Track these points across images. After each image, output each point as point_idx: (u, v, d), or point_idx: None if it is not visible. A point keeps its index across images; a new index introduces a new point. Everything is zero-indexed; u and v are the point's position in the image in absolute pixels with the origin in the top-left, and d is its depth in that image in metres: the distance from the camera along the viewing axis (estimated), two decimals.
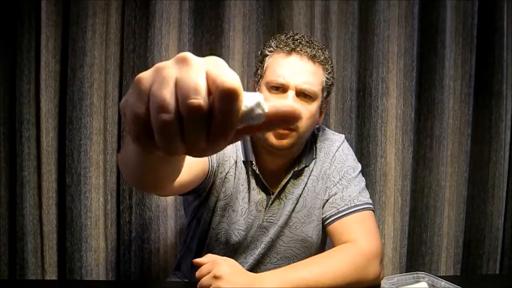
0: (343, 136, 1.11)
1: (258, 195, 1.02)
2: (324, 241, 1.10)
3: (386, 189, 1.54)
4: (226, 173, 1.00)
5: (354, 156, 1.09)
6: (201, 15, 1.47)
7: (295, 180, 1.03)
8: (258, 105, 0.33)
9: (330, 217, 0.99)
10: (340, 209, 0.98)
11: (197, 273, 0.79)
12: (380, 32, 1.50)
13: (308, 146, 1.05)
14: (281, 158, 1.01)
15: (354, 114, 1.54)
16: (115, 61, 1.45)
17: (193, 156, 0.35)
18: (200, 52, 1.47)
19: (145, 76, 0.33)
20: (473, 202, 1.63)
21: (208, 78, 0.31)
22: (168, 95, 0.31)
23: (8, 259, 1.46)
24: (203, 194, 1.01)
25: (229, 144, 0.34)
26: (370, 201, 1.00)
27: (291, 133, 0.93)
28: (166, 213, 1.48)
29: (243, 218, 1.01)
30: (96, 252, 1.46)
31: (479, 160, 1.62)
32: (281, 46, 0.94)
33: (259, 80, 0.98)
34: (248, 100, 0.33)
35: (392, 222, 1.55)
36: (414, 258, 1.60)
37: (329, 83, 0.98)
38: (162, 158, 0.47)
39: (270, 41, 0.98)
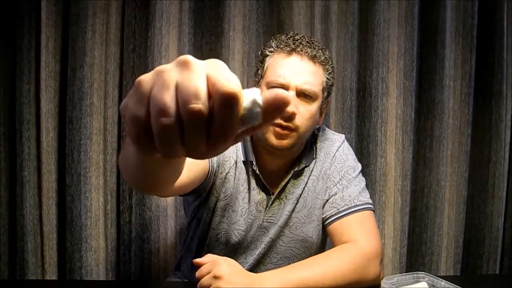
0: (343, 136, 1.11)
1: (258, 195, 1.02)
2: (324, 241, 1.10)
3: (386, 189, 1.55)
4: (226, 174, 1.00)
5: (354, 156, 1.09)
6: (201, 15, 1.47)
7: (295, 180, 1.03)
8: (255, 103, 0.33)
9: (330, 217, 0.99)
10: (340, 209, 0.98)
11: (197, 273, 0.79)
12: (380, 32, 1.50)
13: (308, 146, 1.05)
14: (281, 158, 1.01)
15: (354, 114, 1.54)
16: (115, 61, 1.45)
17: (194, 158, 0.35)
18: (200, 52, 1.47)
19: (146, 79, 0.33)
20: (473, 202, 1.63)
21: (208, 81, 0.31)
22: (168, 99, 0.31)
23: (8, 259, 1.46)
24: (203, 194, 1.01)
25: (229, 146, 0.34)
26: (370, 201, 1.00)
27: (291, 133, 0.93)
28: (166, 213, 1.48)
29: (243, 218, 1.01)
30: (96, 252, 1.46)
31: (479, 160, 1.62)
32: (282, 46, 0.94)
33: (259, 80, 0.98)
34: (246, 100, 0.33)
35: (392, 222, 1.55)
36: (414, 258, 1.60)
37: (329, 84, 0.98)
38: (162, 160, 0.48)
39: (271, 41, 0.98)
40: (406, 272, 0.97)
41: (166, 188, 0.71)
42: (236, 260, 0.83)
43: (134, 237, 1.46)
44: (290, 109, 0.89)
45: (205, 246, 1.04)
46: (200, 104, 0.30)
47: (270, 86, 0.94)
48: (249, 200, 1.01)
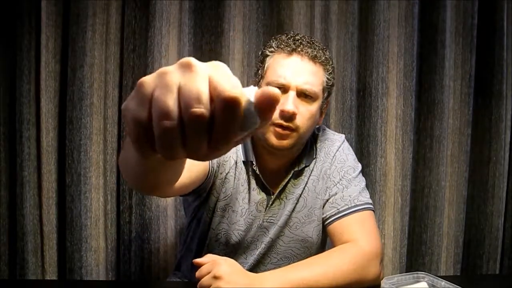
0: (343, 136, 1.11)
1: (258, 195, 1.02)
2: (324, 241, 1.10)
3: (386, 189, 1.55)
4: (226, 174, 1.00)
5: (354, 156, 1.09)
6: (201, 15, 1.47)
7: (295, 180, 1.03)
8: (250, 103, 0.33)
9: (330, 217, 0.99)
10: (341, 209, 0.98)
11: (197, 273, 0.79)
12: (380, 32, 1.50)
13: (308, 146, 1.05)
14: (281, 158, 1.01)
15: (354, 114, 1.54)
16: (115, 61, 1.45)
17: (195, 160, 0.35)
18: (200, 52, 1.47)
19: (148, 80, 0.33)
20: (473, 202, 1.63)
21: (210, 85, 0.31)
22: (171, 102, 0.31)
23: (8, 259, 1.46)
24: (203, 194, 1.01)
25: (231, 149, 0.34)
26: (370, 201, 1.00)
27: (291, 133, 0.93)
28: (166, 213, 1.48)
29: (243, 219, 1.01)
30: (96, 252, 1.46)
31: (479, 160, 1.62)
32: (282, 46, 0.94)
33: (259, 80, 0.98)
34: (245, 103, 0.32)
35: (392, 222, 1.55)
36: (414, 258, 1.60)
37: (329, 84, 0.98)
38: (163, 161, 0.47)
39: (271, 41, 0.98)
40: (406, 272, 0.97)
41: (167, 189, 0.71)
42: (236, 260, 0.83)
43: (134, 237, 1.46)
44: (290, 109, 0.89)
45: (205, 246, 1.04)
46: (202, 108, 0.30)
47: (271, 86, 0.93)
48: (249, 200, 1.01)
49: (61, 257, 1.47)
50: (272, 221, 1.03)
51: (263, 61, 0.98)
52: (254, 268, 1.03)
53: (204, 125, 0.31)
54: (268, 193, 1.02)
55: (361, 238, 0.91)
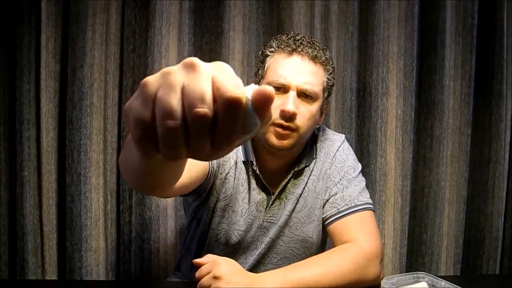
0: (343, 136, 1.11)
1: (258, 195, 1.02)
2: (324, 241, 1.10)
3: (386, 189, 1.55)
4: (226, 174, 1.00)
5: (355, 156, 1.09)
6: (201, 15, 1.47)
7: (295, 180, 1.03)
8: (248, 100, 0.33)
9: (330, 217, 0.99)
10: (341, 209, 0.98)
11: (197, 274, 0.79)
12: (380, 32, 1.50)
13: (308, 146, 1.05)
14: (281, 158, 1.01)
15: (354, 114, 1.54)
16: (115, 61, 1.45)
17: (197, 160, 0.35)
18: (200, 52, 1.47)
19: (152, 80, 0.33)
20: (473, 202, 1.63)
21: (213, 85, 0.31)
22: (175, 101, 0.31)
23: (8, 259, 1.46)
24: (203, 194, 1.01)
25: (233, 149, 0.34)
26: (371, 201, 1.00)
27: (291, 133, 0.93)
28: (166, 213, 1.48)
29: (243, 219, 1.01)
30: (96, 252, 1.46)
31: (479, 160, 1.62)
32: (282, 46, 0.94)
33: (260, 80, 0.98)
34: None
35: (392, 222, 1.55)
36: (414, 258, 1.60)
37: (330, 84, 0.98)
38: (164, 161, 0.47)
39: (271, 41, 0.98)
40: (406, 272, 0.97)
41: (167, 189, 0.71)
42: (236, 261, 0.83)
43: (134, 237, 1.46)
44: (291, 109, 0.89)
45: (205, 247, 1.04)
46: (206, 108, 0.30)
47: (271, 86, 0.93)
48: (249, 200, 1.01)
49: (61, 257, 1.47)
50: (272, 221, 1.03)
51: (263, 61, 0.98)
52: (254, 268, 1.03)
53: (208, 125, 0.31)
54: (268, 193, 1.02)
55: (361, 238, 0.91)
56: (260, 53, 1.01)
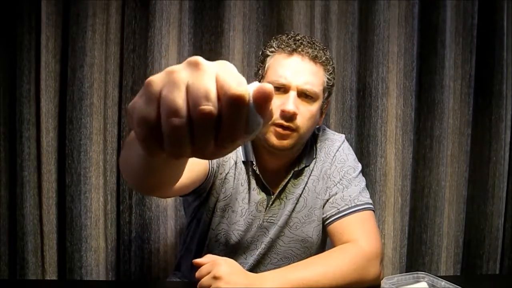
0: (343, 136, 1.11)
1: (258, 195, 1.02)
2: (324, 241, 1.10)
3: (386, 189, 1.55)
4: (226, 174, 1.00)
5: (355, 156, 1.09)
6: (201, 15, 1.47)
7: (295, 180, 1.03)
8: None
9: (330, 217, 0.99)
10: (341, 209, 0.98)
11: (197, 274, 0.79)
12: (380, 32, 1.50)
13: (308, 146, 1.05)
14: (281, 158, 1.01)
15: (354, 114, 1.54)
16: (115, 61, 1.45)
17: (201, 158, 0.35)
18: (200, 52, 1.47)
19: (156, 79, 0.33)
20: (473, 202, 1.63)
21: (217, 83, 0.32)
22: (179, 100, 0.31)
23: (8, 259, 1.46)
24: (203, 194, 1.01)
25: (237, 147, 0.34)
26: (371, 201, 1.00)
27: (292, 133, 0.93)
28: (166, 213, 1.48)
29: (243, 219, 1.01)
30: (96, 252, 1.46)
31: (479, 160, 1.62)
32: (283, 46, 0.94)
33: (260, 80, 0.98)
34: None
35: (392, 222, 1.55)
36: (414, 258, 1.60)
37: (330, 84, 0.98)
38: (166, 161, 0.47)
39: (271, 41, 0.98)
40: (406, 272, 0.97)
41: (167, 189, 0.71)
42: (236, 261, 0.83)
43: (134, 237, 1.46)
44: (291, 109, 0.89)
45: (205, 247, 1.04)
46: (211, 106, 0.31)
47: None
48: (249, 200, 1.01)
49: (61, 257, 1.47)
50: (272, 221, 1.03)
51: (263, 61, 0.98)
52: (254, 268, 1.03)
53: (212, 123, 0.31)
54: (268, 193, 1.02)
55: (361, 238, 0.91)
56: (260, 53, 1.01)
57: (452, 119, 1.58)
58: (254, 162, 0.99)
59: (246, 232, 1.02)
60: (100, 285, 1.21)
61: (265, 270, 0.90)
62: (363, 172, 1.09)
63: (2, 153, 1.45)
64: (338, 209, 0.98)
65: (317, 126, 1.07)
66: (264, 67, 0.97)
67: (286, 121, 0.91)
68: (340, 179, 1.02)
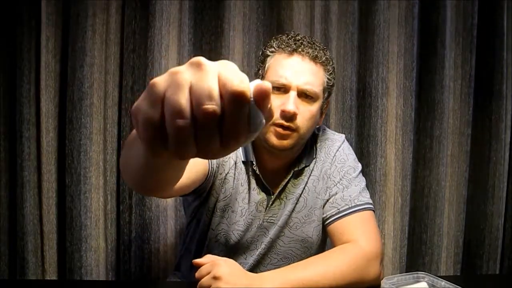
0: (343, 136, 1.11)
1: (258, 195, 1.02)
2: (324, 241, 1.10)
3: (386, 189, 1.54)
4: (226, 174, 1.00)
5: (355, 156, 1.09)
6: (201, 15, 1.47)
7: (296, 180, 1.03)
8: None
9: (330, 217, 0.99)
10: (341, 209, 0.98)
11: (197, 274, 0.79)
12: (380, 32, 1.50)
13: (308, 146, 1.05)
14: (281, 158, 1.01)
15: (354, 114, 1.54)
16: (115, 61, 1.45)
17: (205, 158, 0.35)
18: (200, 52, 1.47)
19: (159, 81, 0.33)
20: (473, 202, 1.63)
21: (219, 81, 0.32)
22: (183, 100, 0.31)
23: (8, 259, 1.46)
24: (203, 194, 1.01)
25: (241, 145, 0.35)
26: (371, 201, 1.00)
27: (292, 133, 0.93)
28: (166, 213, 1.48)
29: (242, 219, 1.01)
30: (96, 252, 1.46)
31: (479, 160, 1.62)
32: (283, 46, 0.94)
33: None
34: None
35: (392, 222, 1.55)
36: (414, 258, 1.60)
37: (330, 84, 0.98)
38: (168, 161, 0.48)
39: (272, 41, 0.98)
40: (406, 272, 0.97)
41: (168, 189, 0.71)
42: (236, 261, 0.83)
43: (134, 237, 1.46)
44: (291, 109, 0.89)
45: (205, 247, 1.04)
46: (214, 105, 0.31)
47: (272, 86, 0.93)
48: (249, 200, 1.01)
49: (61, 257, 1.47)
50: (272, 221, 1.03)
51: (263, 61, 0.98)
52: (254, 268, 1.03)
53: (216, 121, 0.32)
54: (268, 193, 1.02)
55: (361, 238, 0.91)
56: (260, 53, 1.01)
57: (452, 119, 1.58)
58: (254, 162, 0.99)
59: (246, 232, 1.02)
60: (100, 285, 1.20)
61: (265, 270, 0.90)
62: (363, 172, 1.09)
63: (2, 153, 1.45)
64: (338, 209, 0.98)
65: (317, 126, 1.07)
66: (264, 67, 0.97)
67: (286, 121, 0.91)
68: (340, 179, 1.02)
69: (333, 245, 0.97)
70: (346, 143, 1.10)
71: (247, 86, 0.32)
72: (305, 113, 0.93)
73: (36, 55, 1.41)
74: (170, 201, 1.48)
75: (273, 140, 0.93)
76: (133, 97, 1.43)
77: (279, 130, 0.91)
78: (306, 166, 1.03)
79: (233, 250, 1.03)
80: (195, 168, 0.86)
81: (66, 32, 1.42)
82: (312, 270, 0.83)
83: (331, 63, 0.97)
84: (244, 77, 0.32)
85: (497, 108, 1.57)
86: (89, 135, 1.42)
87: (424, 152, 1.58)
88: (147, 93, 0.34)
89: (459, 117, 1.59)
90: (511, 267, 1.64)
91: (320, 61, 0.94)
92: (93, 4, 1.40)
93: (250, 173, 1.01)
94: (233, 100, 0.31)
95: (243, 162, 1.01)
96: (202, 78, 0.32)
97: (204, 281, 0.77)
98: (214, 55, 1.46)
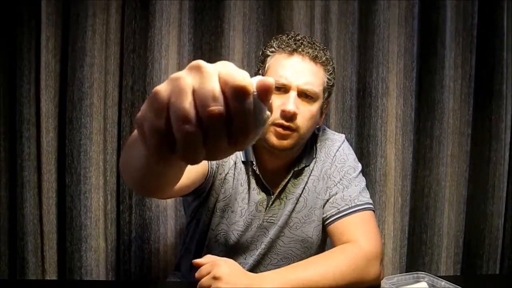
0: (343, 136, 1.11)
1: (258, 195, 1.02)
2: (324, 241, 1.10)
3: (386, 189, 1.54)
4: (226, 174, 1.00)
5: (355, 156, 1.09)
6: (201, 15, 1.47)
7: (296, 180, 1.03)
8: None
9: (330, 217, 0.99)
10: (341, 209, 0.98)
11: (197, 274, 0.79)
12: (380, 32, 1.50)
13: (308, 146, 1.05)
14: (281, 158, 1.01)
15: (354, 114, 1.54)
16: (115, 61, 1.45)
17: (214, 160, 0.35)
18: (200, 52, 1.47)
19: (162, 88, 0.33)
20: (473, 202, 1.63)
21: (220, 81, 0.32)
22: (188, 105, 0.31)
23: (8, 259, 1.46)
24: (202, 195, 1.01)
25: (249, 143, 0.35)
26: (371, 201, 1.00)
27: (292, 133, 0.93)
28: (166, 213, 1.48)
29: (242, 219, 1.01)
30: (96, 252, 1.46)
31: (479, 160, 1.62)
32: (283, 46, 0.94)
33: None
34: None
35: (392, 222, 1.55)
36: (414, 258, 1.60)
37: (330, 84, 0.98)
38: (172, 163, 0.48)
39: (272, 41, 0.98)
40: (406, 272, 0.97)
41: (168, 190, 0.71)
42: (236, 261, 0.83)
43: (134, 237, 1.46)
44: (291, 109, 0.89)
45: (205, 247, 1.04)
46: (219, 105, 0.31)
47: None
48: (248, 200, 1.01)
49: (61, 257, 1.47)
50: (272, 221, 1.03)
51: (263, 61, 0.98)
52: (254, 268, 1.03)
53: (223, 122, 0.32)
54: (268, 193, 1.02)
55: (361, 238, 0.91)
56: (260, 53, 1.01)
57: (452, 119, 1.58)
58: (254, 162, 0.99)
59: (245, 232, 1.02)
60: (100, 285, 1.20)
61: (265, 270, 0.90)
62: (363, 172, 1.09)
63: (2, 153, 1.45)
64: (338, 209, 0.98)
65: (317, 126, 1.07)
66: (264, 67, 0.97)
67: (287, 121, 0.91)
68: (340, 179, 1.02)
69: (333, 245, 0.97)
70: (346, 143, 1.10)
71: (249, 80, 0.32)
72: (305, 113, 0.93)
73: (36, 55, 1.41)
74: (170, 201, 1.48)
75: (273, 140, 0.93)
76: (133, 97, 1.43)
77: (279, 130, 0.91)
78: (306, 166, 1.03)
79: (233, 250, 1.03)
80: (194, 168, 0.86)
81: (66, 32, 1.42)
82: (312, 270, 0.83)
83: (331, 63, 0.97)
84: (245, 73, 0.32)
85: (497, 108, 1.57)
86: (89, 135, 1.42)
87: (424, 152, 1.58)
88: (151, 102, 0.34)
89: (459, 117, 1.59)
90: (511, 267, 1.64)
91: (320, 61, 0.94)
92: (93, 4, 1.40)
93: (250, 173, 1.01)
94: (237, 96, 0.31)
95: (243, 162, 1.01)
96: (204, 80, 0.32)
97: (204, 281, 0.77)
98: (214, 55, 1.46)
